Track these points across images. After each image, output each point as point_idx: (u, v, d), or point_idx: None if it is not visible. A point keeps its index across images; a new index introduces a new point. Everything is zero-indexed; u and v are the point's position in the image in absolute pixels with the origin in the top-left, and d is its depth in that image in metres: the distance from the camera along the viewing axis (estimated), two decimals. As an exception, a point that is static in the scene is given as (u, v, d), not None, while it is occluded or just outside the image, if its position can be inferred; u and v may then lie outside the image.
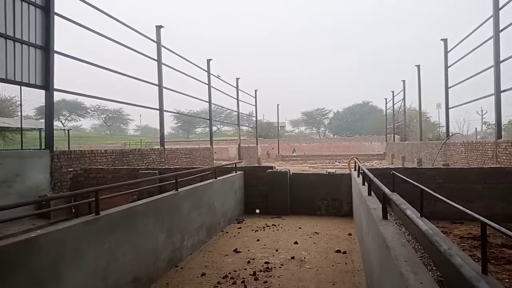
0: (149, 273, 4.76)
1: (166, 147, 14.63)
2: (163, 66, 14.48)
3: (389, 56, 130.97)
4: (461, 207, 2.92)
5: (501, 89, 11.17)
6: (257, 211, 9.09)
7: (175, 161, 14.99)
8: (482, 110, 46.72)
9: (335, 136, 61.80)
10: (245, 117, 60.46)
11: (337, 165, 28.92)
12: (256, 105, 29.93)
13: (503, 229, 1.97)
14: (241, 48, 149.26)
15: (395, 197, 3.40)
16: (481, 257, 2.32)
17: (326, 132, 72.95)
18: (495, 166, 9.65)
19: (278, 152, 41.20)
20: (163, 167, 10.28)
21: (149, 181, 7.63)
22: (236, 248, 6.11)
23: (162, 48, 14.47)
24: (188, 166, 13.96)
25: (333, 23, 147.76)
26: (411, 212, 2.57)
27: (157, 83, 14.16)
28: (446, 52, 16.88)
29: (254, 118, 32.45)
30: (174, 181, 6.06)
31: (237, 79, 25.28)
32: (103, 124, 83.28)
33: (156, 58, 14.21)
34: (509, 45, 11.06)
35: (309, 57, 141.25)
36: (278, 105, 39.30)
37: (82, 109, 71.30)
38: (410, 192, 6.35)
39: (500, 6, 11.24)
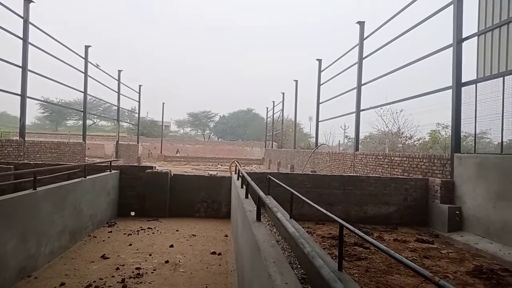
0: (-10, 286, 3.96)
1: (27, 139, 12.60)
2: (30, 46, 12.49)
3: (275, 69, 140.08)
4: (323, 210, 3.21)
5: (361, 108, 12.99)
6: (133, 213, 8.52)
7: (38, 155, 13.02)
8: (345, 125, 53.55)
9: (219, 140, 62.99)
10: (126, 113, 56.58)
11: (220, 167, 29.44)
12: (139, 101, 28.36)
13: (356, 230, 2.21)
14: (126, 40, 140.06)
15: (269, 200, 3.55)
16: (338, 256, 2.57)
17: (211, 135, 73.68)
18: (353, 174, 11.12)
19: (161, 152, 39.86)
20: (21, 162, 8.80)
21: (0, 177, 6.44)
22: (104, 254, 5.57)
23: (30, 26, 12.48)
24: (54, 162, 12.30)
25: (229, 27, 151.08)
26: (281, 215, 2.69)
27: (21, 65, 12.13)
28: (319, 71, 18.85)
29: (137, 115, 30.64)
30: (33, 178, 5.22)
31: (119, 71, 23.55)
32: None
33: (21, 36, 12.18)
34: (369, 71, 12.94)
35: (198, 61, 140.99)
36: (163, 103, 38.13)
37: None
38: (283, 195, 6.79)
39: (364, 36, 13.09)
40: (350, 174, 10.73)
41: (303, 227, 4.55)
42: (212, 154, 44.26)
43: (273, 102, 32.72)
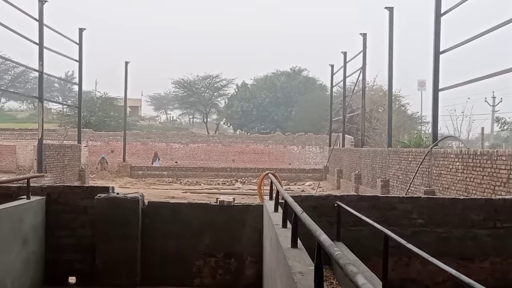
0: None
1: None
2: None
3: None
4: (453, 271, 3.12)
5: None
6: (72, 280, 8.75)
7: None
8: (493, 96, 52.56)
9: (238, 132, 63.03)
10: (56, 84, 58.32)
11: (239, 187, 29.67)
12: (80, 61, 28.93)
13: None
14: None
15: (339, 250, 3.51)
16: None
17: (221, 122, 73.32)
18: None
19: (124, 160, 40.59)
20: None
21: None
22: None
23: None
24: None
25: None
26: (365, 281, 2.65)
27: None
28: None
29: (77, 87, 31.39)
30: None
31: (43, 2, 24.19)
32: None
33: None
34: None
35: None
36: (127, 62, 38.57)
37: None
38: (367, 240, 6.72)
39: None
40: (509, 197, 10.46)
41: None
42: (225, 160, 44.66)
43: (332, 66, 33.11)
